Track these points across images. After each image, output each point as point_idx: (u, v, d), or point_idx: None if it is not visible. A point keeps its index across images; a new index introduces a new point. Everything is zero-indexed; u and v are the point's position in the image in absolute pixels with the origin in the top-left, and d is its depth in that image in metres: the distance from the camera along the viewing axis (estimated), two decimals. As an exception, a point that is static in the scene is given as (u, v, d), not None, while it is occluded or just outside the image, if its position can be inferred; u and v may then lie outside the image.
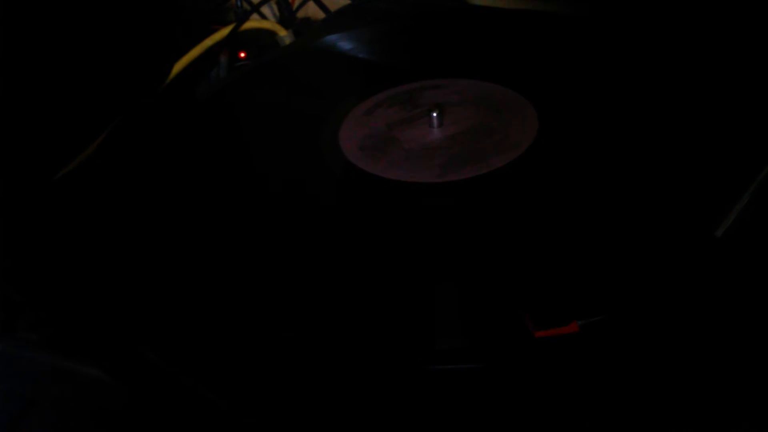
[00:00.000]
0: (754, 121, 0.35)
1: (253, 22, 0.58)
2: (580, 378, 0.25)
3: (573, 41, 0.47)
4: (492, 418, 0.25)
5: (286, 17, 0.62)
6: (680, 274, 0.27)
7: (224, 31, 0.55)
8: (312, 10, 0.67)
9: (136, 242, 0.34)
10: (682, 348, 0.25)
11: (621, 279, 0.28)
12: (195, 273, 0.32)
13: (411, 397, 0.25)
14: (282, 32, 0.58)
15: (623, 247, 0.30)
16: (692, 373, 0.25)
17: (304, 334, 0.28)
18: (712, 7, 0.44)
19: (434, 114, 0.40)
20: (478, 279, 0.29)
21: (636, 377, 0.25)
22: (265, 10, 0.68)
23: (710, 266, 0.27)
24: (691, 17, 0.44)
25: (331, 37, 0.51)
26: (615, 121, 0.38)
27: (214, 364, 0.28)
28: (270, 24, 0.59)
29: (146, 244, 0.34)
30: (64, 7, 0.41)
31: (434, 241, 0.32)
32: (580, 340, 0.25)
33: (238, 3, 0.63)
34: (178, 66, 0.53)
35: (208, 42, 0.55)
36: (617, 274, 0.28)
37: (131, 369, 0.31)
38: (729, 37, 0.41)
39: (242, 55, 0.57)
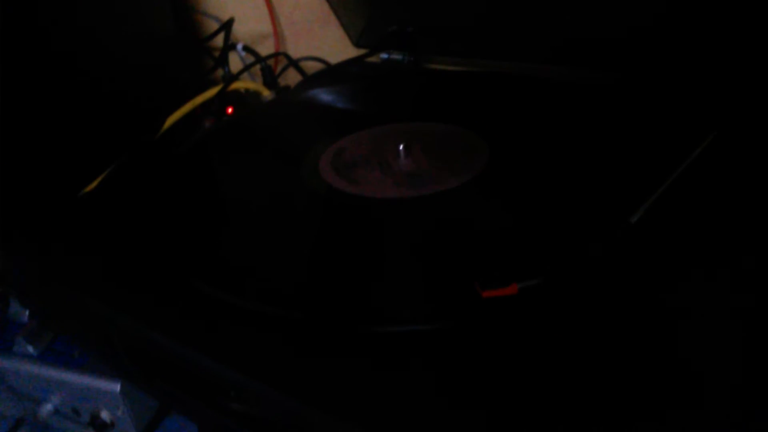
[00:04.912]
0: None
1: (239, 83, 0.64)
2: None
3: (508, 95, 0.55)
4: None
5: (269, 81, 0.69)
6: (601, 251, 0.33)
7: (213, 90, 0.62)
8: (292, 79, 0.74)
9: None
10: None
11: (553, 253, 0.33)
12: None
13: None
14: (265, 92, 0.65)
15: (555, 229, 0.36)
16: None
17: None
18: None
19: (401, 147, 0.47)
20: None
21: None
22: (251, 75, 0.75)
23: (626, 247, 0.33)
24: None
25: (312, 92, 0.58)
26: (547, 153, 0.45)
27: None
28: (255, 85, 0.66)
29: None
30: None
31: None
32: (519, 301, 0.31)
33: (226, 69, 0.70)
34: (171, 119, 0.59)
35: (199, 99, 0.61)
36: (550, 250, 0.34)
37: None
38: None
39: (229, 110, 0.63)
